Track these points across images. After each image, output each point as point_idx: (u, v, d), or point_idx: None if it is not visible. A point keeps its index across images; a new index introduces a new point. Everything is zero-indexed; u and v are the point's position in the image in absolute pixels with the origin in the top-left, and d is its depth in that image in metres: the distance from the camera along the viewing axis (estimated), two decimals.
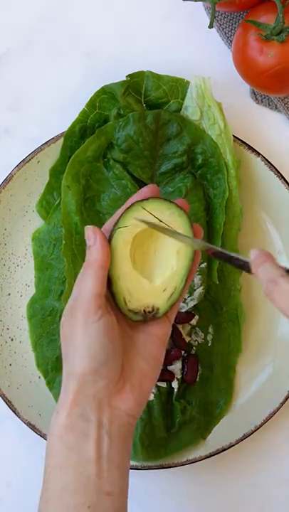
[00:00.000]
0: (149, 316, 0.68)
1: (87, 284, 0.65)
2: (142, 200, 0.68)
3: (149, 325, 0.69)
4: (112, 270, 0.67)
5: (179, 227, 0.68)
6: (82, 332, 0.64)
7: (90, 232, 0.67)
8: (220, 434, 0.84)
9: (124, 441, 0.65)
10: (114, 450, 0.64)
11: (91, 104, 0.82)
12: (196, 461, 0.83)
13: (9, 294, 0.85)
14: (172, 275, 0.69)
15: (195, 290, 0.82)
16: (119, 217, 0.68)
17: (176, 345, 0.83)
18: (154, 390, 0.83)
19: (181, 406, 0.83)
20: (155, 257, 0.70)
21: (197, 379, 0.84)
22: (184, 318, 0.83)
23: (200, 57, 0.87)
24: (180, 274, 0.69)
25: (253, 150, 0.83)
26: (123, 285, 0.67)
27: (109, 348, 0.64)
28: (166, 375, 0.83)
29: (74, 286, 0.67)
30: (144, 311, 0.68)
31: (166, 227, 0.68)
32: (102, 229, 0.69)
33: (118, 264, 0.67)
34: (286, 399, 0.82)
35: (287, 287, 0.59)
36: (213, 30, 0.86)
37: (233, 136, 0.82)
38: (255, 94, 0.87)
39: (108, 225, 0.70)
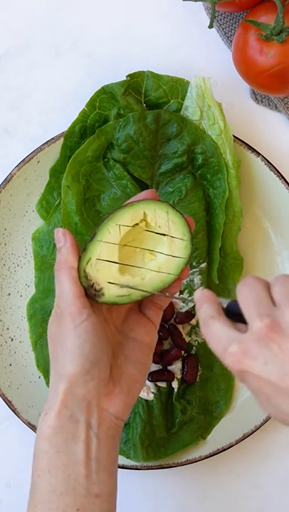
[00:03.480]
0: (92, 292, 0.66)
1: (64, 286, 0.65)
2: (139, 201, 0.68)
3: (138, 332, 0.69)
4: (92, 252, 0.66)
5: (178, 231, 0.68)
6: (72, 333, 0.64)
7: (60, 234, 0.67)
8: (220, 434, 0.84)
9: (113, 442, 0.65)
10: (103, 451, 0.64)
11: (91, 104, 0.82)
12: (196, 461, 0.83)
13: (9, 294, 0.85)
14: (154, 277, 0.68)
15: (195, 290, 0.82)
16: (112, 213, 0.67)
17: (176, 345, 0.83)
18: (154, 390, 0.83)
19: (181, 406, 0.83)
20: (142, 262, 0.69)
21: (197, 379, 0.84)
22: (183, 318, 0.83)
23: (200, 57, 0.87)
24: (162, 280, 0.68)
25: (253, 150, 0.83)
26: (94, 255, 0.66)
27: (98, 348, 0.64)
28: (166, 375, 0.83)
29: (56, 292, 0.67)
30: (93, 285, 0.66)
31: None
32: None
33: (101, 252, 0.66)
34: None
35: (214, 329, 0.59)
36: (213, 30, 0.86)
37: (233, 136, 0.82)
38: (255, 94, 0.87)
39: None
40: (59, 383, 0.65)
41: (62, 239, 0.67)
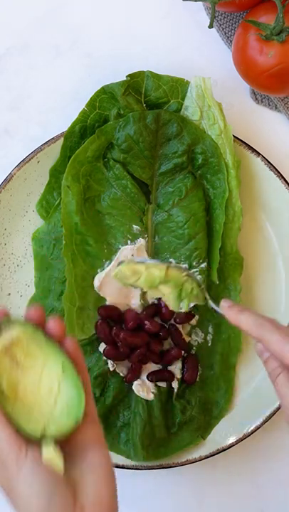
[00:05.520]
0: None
1: None
2: None
3: (78, 432, 0.64)
4: None
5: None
6: (20, 478, 0.61)
7: None
8: (220, 434, 0.84)
9: None
10: None
11: (91, 104, 0.82)
12: (196, 461, 0.83)
13: (9, 294, 0.85)
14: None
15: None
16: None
17: (176, 345, 0.83)
18: (153, 390, 0.83)
19: (181, 406, 0.83)
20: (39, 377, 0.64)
21: (197, 379, 0.84)
22: (183, 318, 0.83)
23: (200, 57, 0.87)
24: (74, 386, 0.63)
25: (253, 150, 0.83)
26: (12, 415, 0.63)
27: (48, 478, 0.61)
28: (166, 375, 0.83)
29: None
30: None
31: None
32: None
33: None
34: None
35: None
36: (213, 30, 0.86)
37: (233, 136, 0.82)
38: (255, 94, 0.87)
39: None
40: None
41: None
